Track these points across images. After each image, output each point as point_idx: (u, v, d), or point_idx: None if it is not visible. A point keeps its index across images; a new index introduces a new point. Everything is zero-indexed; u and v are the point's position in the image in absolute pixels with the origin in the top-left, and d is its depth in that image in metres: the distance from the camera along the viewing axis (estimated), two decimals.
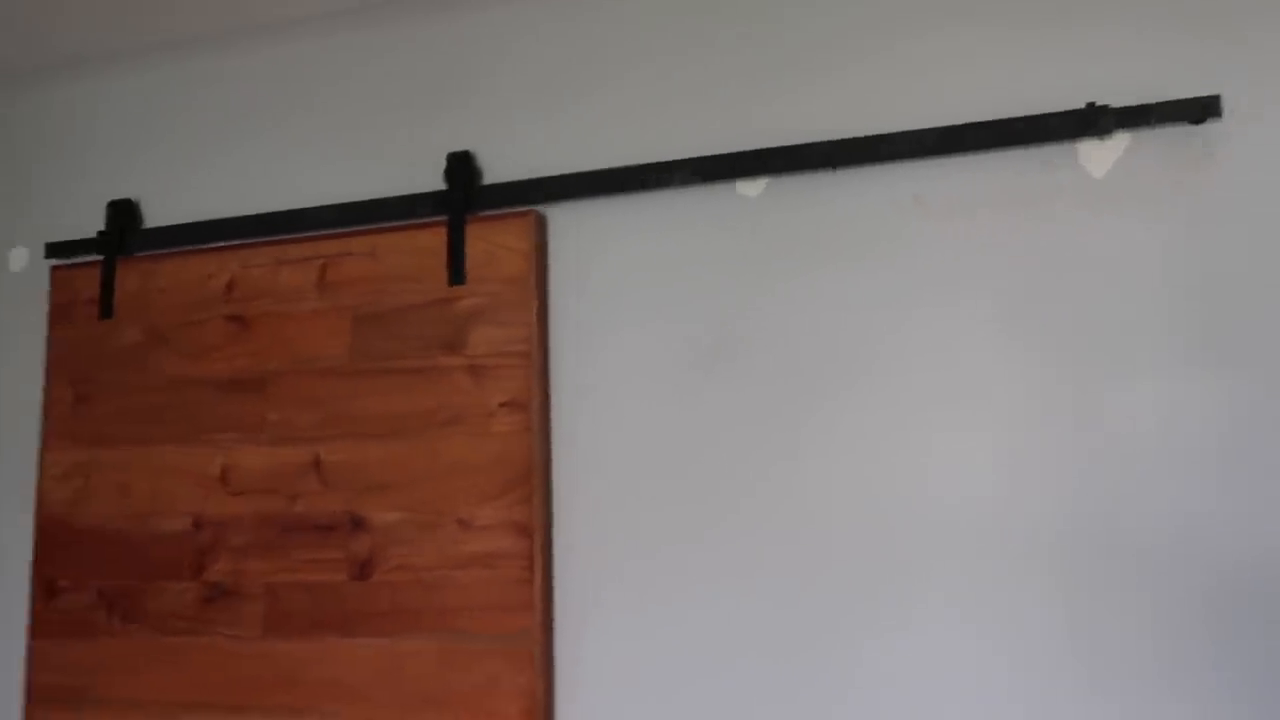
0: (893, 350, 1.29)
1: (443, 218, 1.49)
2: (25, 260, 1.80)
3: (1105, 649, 1.18)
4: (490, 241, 1.45)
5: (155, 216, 1.71)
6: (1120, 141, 1.25)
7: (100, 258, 1.70)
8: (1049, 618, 1.20)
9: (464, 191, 1.47)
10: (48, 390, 1.70)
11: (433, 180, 1.53)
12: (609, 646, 1.36)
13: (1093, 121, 1.23)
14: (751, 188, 1.38)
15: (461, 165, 1.49)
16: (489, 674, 1.37)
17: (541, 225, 1.45)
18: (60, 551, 1.64)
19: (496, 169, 1.50)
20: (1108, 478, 1.20)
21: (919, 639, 1.24)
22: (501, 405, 1.41)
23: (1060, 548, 1.21)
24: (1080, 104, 1.26)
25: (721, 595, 1.32)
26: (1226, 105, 1.22)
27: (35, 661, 1.63)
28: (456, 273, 1.46)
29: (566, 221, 1.45)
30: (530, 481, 1.38)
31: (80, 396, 1.67)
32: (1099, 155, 1.26)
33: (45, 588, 1.64)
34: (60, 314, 1.71)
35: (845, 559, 1.28)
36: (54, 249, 1.75)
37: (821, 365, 1.32)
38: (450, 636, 1.39)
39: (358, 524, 1.46)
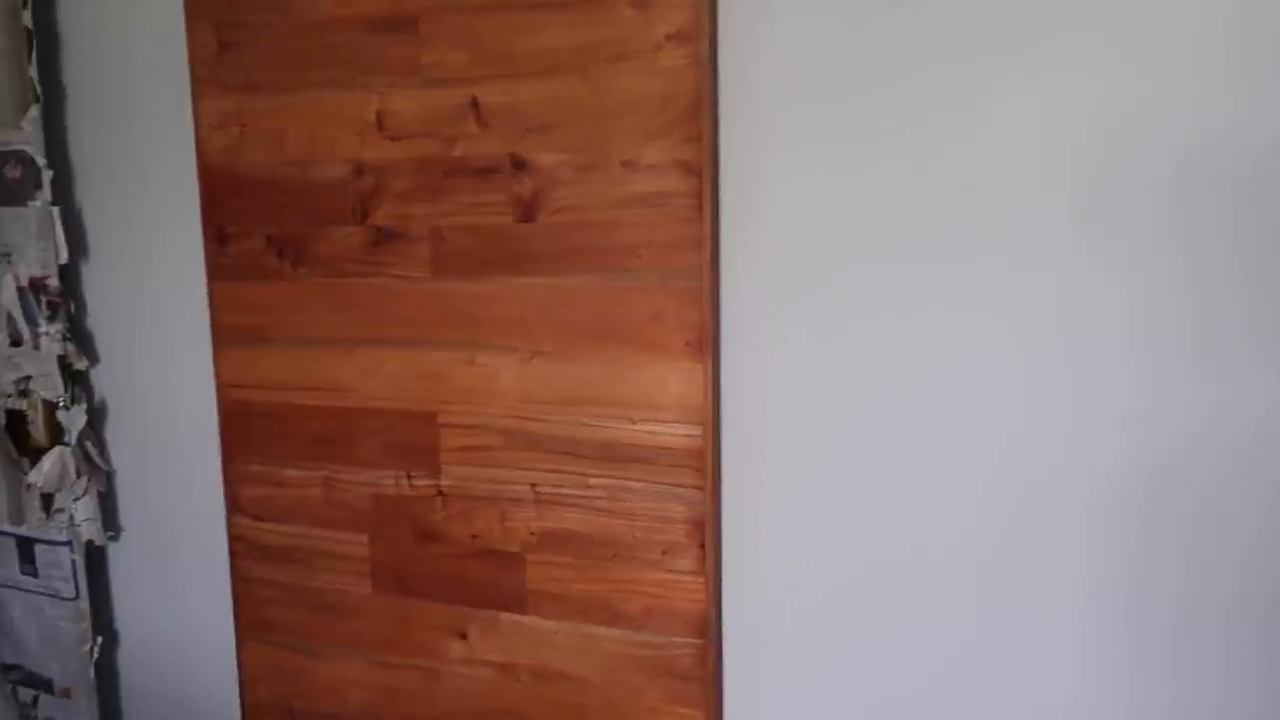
0: None
1: None
2: None
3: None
4: None
5: None
6: None
7: None
8: None
9: None
10: (190, 38, 1.68)
11: None
12: (773, 282, 1.39)
13: None
14: None
15: None
16: (654, 309, 1.41)
17: None
18: (225, 199, 1.69)
19: None
20: None
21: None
22: (667, 38, 1.34)
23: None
24: None
25: (886, 231, 1.32)
26: None
27: (215, 303, 1.74)
28: None
29: None
30: (698, 119, 1.35)
31: (224, 43, 1.65)
32: None
33: (216, 235, 1.71)
34: None
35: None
36: None
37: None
38: (617, 275, 1.43)
39: (520, 166, 1.46)
